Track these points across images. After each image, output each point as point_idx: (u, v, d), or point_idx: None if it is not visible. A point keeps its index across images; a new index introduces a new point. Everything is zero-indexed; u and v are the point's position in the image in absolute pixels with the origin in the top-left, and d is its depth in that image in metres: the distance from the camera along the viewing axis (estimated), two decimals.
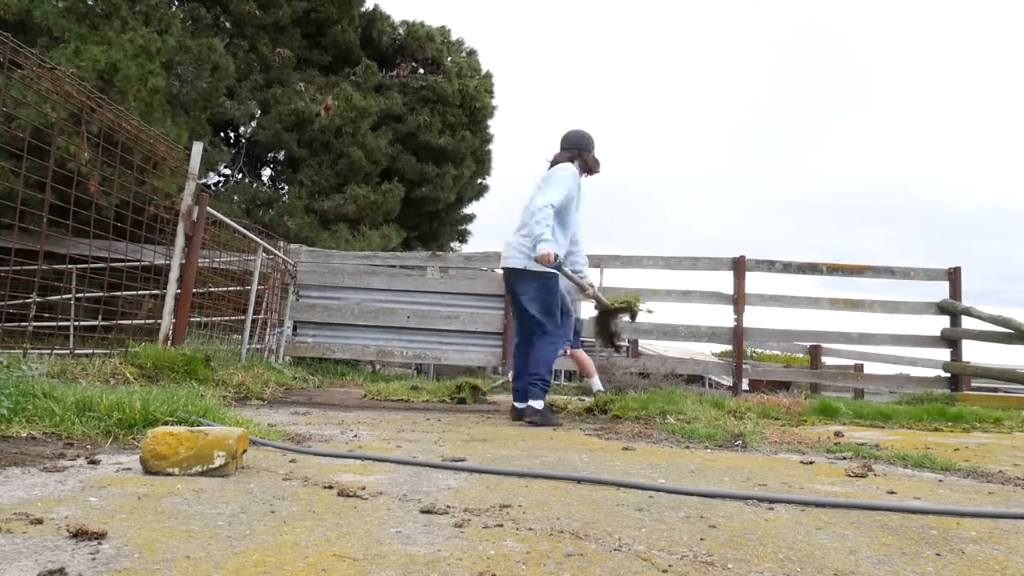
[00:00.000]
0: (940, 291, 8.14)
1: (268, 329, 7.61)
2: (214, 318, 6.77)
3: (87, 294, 7.13)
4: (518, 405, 4.15)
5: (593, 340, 8.25)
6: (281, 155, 12.50)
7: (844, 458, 2.94)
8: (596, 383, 6.49)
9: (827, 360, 11.26)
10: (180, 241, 5.09)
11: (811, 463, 2.72)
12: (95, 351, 4.44)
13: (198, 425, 2.29)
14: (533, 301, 4.08)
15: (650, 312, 4.69)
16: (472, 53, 14.42)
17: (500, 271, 5.95)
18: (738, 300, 7.73)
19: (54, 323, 5.70)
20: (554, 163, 4.25)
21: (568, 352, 6.56)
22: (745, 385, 8.20)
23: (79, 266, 6.76)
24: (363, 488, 1.79)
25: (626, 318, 4.67)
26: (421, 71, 13.54)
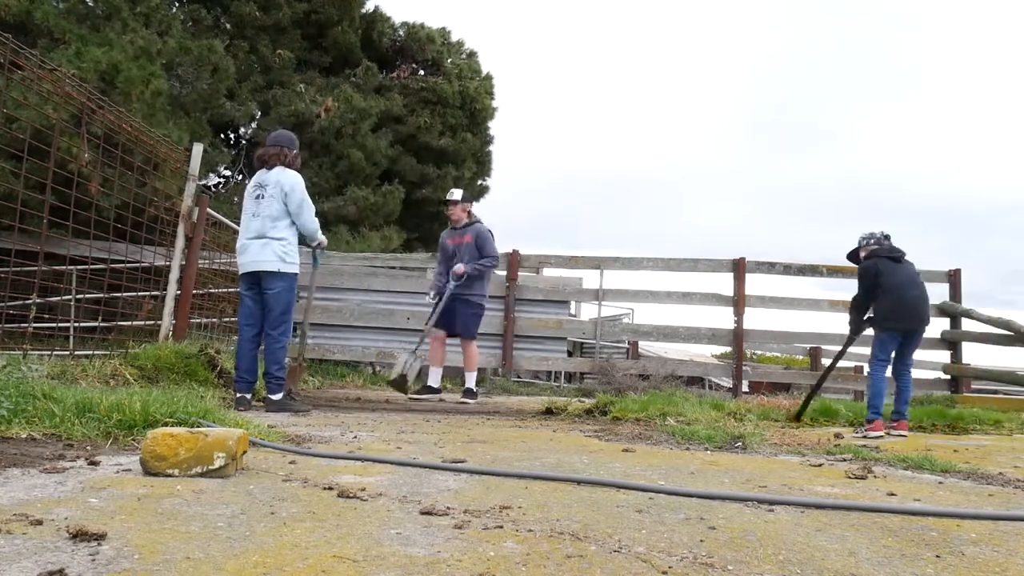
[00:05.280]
0: (941, 293, 8.13)
1: None
2: (214, 319, 6.77)
3: (87, 295, 7.13)
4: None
5: (592, 342, 8.26)
6: None
7: (844, 460, 2.94)
8: (470, 379, 5.94)
9: (827, 362, 11.23)
10: (180, 242, 5.09)
11: (811, 465, 2.72)
12: (95, 352, 4.44)
13: (198, 426, 2.29)
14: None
15: None
16: (472, 55, 14.44)
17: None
18: (738, 302, 7.71)
19: (54, 324, 5.69)
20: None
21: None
22: (745, 387, 8.19)
23: (79, 267, 6.76)
24: (363, 489, 1.79)
25: None
26: (421, 73, 13.55)
